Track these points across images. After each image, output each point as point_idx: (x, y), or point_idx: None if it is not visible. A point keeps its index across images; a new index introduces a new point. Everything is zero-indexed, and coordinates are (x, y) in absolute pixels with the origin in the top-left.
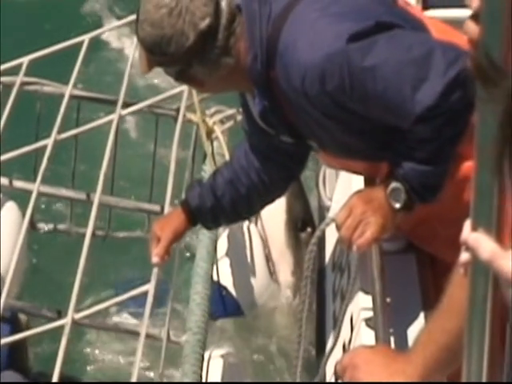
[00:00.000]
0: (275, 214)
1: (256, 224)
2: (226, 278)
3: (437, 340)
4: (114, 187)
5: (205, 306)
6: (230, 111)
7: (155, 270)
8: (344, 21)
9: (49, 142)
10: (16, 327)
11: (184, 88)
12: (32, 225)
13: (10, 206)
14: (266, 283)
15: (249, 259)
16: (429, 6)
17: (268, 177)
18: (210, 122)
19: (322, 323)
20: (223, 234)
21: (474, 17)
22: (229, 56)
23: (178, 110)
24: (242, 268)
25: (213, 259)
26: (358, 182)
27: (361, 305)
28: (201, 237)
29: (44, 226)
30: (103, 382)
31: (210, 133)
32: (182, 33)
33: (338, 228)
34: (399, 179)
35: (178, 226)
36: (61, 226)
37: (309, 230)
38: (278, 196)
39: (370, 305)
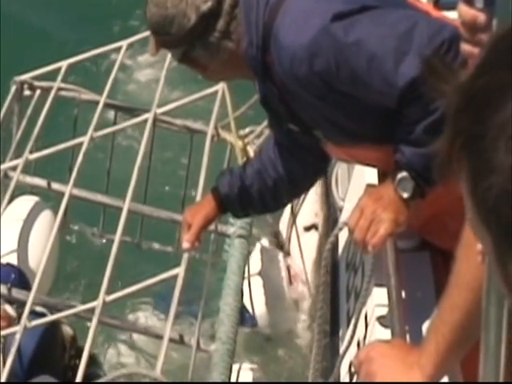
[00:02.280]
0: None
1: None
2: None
3: (448, 320)
4: (146, 196)
5: (234, 317)
6: (262, 128)
7: (185, 255)
8: (331, 3)
9: (85, 140)
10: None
11: (216, 106)
12: (63, 226)
13: (44, 207)
14: (286, 308)
15: (273, 284)
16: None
17: (293, 171)
18: (243, 142)
19: (335, 322)
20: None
21: (467, 0)
22: (230, 40)
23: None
24: (267, 292)
25: (243, 274)
26: (371, 177)
27: (375, 302)
28: (232, 251)
29: (77, 229)
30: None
31: (243, 152)
32: (184, 14)
33: (351, 231)
34: (404, 168)
35: (209, 212)
36: (92, 230)
37: (316, 234)
38: (305, 190)
39: (385, 302)
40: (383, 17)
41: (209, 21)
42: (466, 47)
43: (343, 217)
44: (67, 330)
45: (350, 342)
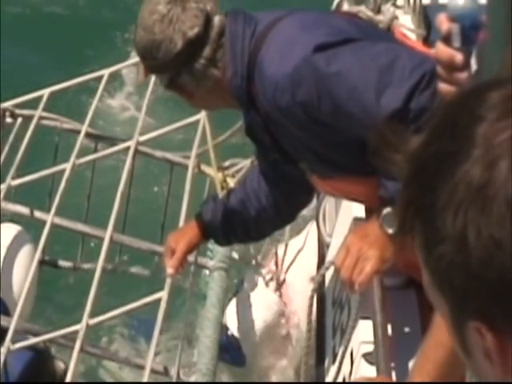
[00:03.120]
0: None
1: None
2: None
3: (432, 357)
4: (125, 225)
5: (214, 349)
6: (242, 165)
7: (168, 280)
8: (315, 35)
9: (67, 166)
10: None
11: (197, 135)
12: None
13: (25, 236)
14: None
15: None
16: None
17: (276, 203)
18: (223, 174)
19: (321, 358)
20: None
21: (444, 39)
22: (216, 68)
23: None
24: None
25: (222, 306)
26: (359, 212)
27: (361, 339)
28: (211, 285)
29: (53, 260)
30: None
31: (223, 186)
32: (171, 39)
33: (338, 270)
34: (388, 203)
35: (192, 238)
36: (68, 263)
37: None
38: (288, 223)
39: (371, 339)
40: (365, 49)
41: (195, 47)
42: (443, 86)
43: (330, 253)
44: (59, 364)
45: (335, 379)
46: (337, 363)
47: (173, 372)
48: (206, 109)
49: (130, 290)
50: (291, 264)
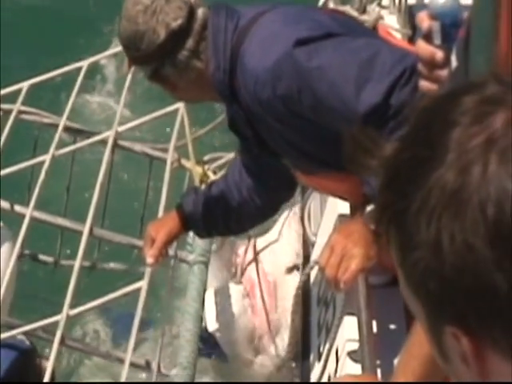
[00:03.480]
0: (288, 291)
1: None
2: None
3: (417, 354)
4: (104, 219)
5: (194, 342)
6: (224, 160)
7: (148, 270)
8: (297, 29)
9: (46, 158)
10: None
11: (176, 125)
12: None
13: (3, 230)
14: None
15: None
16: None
17: (257, 197)
18: (203, 168)
19: (307, 357)
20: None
21: (425, 37)
22: (199, 60)
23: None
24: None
25: (202, 300)
26: (344, 211)
27: (346, 337)
28: (191, 278)
29: (32, 254)
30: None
31: (202, 180)
32: (154, 30)
33: (323, 269)
34: (371, 200)
35: (172, 228)
36: (47, 258)
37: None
38: (268, 217)
39: (356, 337)
40: (346, 44)
41: (178, 38)
42: (424, 84)
43: (315, 252)
44: (45, 363)
45: (320, 377)
46: (322, 361)
47: (154, 365)
48: (190, 101)
49: (109, 285)
50: (257, 256)
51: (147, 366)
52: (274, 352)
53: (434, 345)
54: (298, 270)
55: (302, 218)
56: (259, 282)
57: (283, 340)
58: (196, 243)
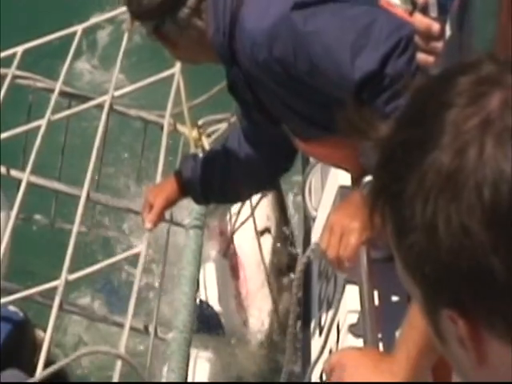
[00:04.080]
0: (258, 256)
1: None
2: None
3: (418, 325)
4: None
5: (191, 306)
6: (218, 123)
7: (146, 234)
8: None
9: (42, 123)
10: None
11: (172, 90)
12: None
13: None
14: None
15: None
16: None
17: (255, 166)
18: (198, 132)
19: (307, 331)
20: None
21: (422, 9)
22: (199, 18)
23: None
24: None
25: (199, 264)
26: (345, 182)
27: (347, 310)
28: (188, 242)
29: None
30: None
31: (197, 144)
32: None
33: (324, 252)
34: (369, 170)
35: (171, 194)
36: (41, 219)
37: (292, 275)
38: (266, 188)
39: (357, 310)
40: (344, 10)
41: None
42: (421, 56)
43: (316, 227)
44: (40, 333)
45: (322, 350)
46: (323, 335)
47: (150, 329)
48: (189, 62)
49: (105, 249)
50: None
51: (145, 330)
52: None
53: (431, 327)
54: (269, 232)
55: (302, 193)
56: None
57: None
58: (192, 207)
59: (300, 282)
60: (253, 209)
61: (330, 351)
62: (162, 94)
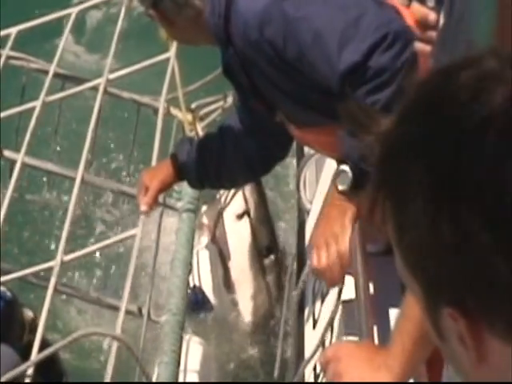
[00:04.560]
0: (240, 238)
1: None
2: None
3: (411, 316)
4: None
5: (184, 289)
6: (212, 107)
7: (142, 217)
8: None
9: (37, 104)
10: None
11: (167, 73)
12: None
13: None
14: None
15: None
16: None
17: (250, 153)
18: (193, 116)
19: (301, 326)
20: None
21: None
22: None
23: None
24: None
25: (191, 247)
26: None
27: (342, 302)
28: (180, 225)
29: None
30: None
31: (192, 127)
32: None
33: (319, 274)
34: (344, 159)
35: (166, 177)
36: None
37: (272, 257)
38: (258, 175)
39: (352, 302)
40: (336, 0)
41: None
42: (417, 44)
43: (310, 220)
44: (28, 312)
45: (317, 344)
46: (317, 329)
47: (143, 311)
48: (186, 42)
49: (98, 232)
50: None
51: (139, 313)
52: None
53: (430, 324)
54: (248, 215)
55: (297, 186)
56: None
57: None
58: (184, 191)
59: (296, 309)
60: (233, 193)
61: (324, 344)
62: (152, 78)
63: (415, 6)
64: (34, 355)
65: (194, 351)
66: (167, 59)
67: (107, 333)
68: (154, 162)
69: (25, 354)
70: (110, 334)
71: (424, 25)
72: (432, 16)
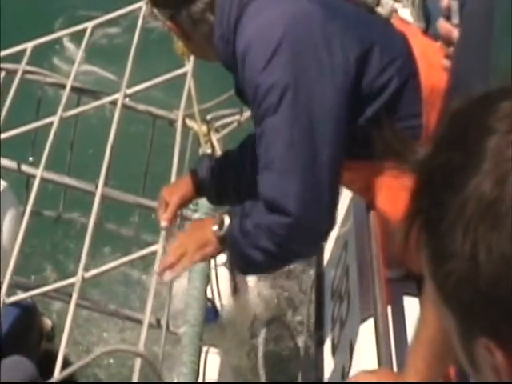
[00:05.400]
0: None
1: None
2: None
3: (421, 337)
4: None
5: (202, 300)
6: (228, 119)
7: (163, 233)
8: (280, 21)
9: (55, 119)
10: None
11: (185, 89)
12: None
13: (7, 190)
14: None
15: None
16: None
17: None
18: (207, 128)
19: (320, 351)
20: None
21: (445, 16)
22: (212, 14)
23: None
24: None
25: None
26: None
27: (360, 330)
28: None
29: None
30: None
31: (206, 139)
32: None
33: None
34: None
35: (186, 193)
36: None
37: None
38: None
39: (370, 330)
40: (296, 107)
41: None
42: (444, 62)
43: (328, 244)
44: (46, 321)
45: (334, 369)
46: (336, 354)
47: (163, 323)
48: (202, 57)
49: (115, 246)
50: None
51: (157, 324)
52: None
53: (464, 355)
54: None
55: None
56: None
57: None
58: (201, 202)
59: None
60: None
61: (343, 369)
62: (163, 90)
63: (442, 22)
64: (57, 373)
65: (211, 362)
66: (184, 74)
67: (131, 350)
68: (173, 178)
69: (41, 363)
70: (133, 351)
71: (448, 42)
72: (455, 33)
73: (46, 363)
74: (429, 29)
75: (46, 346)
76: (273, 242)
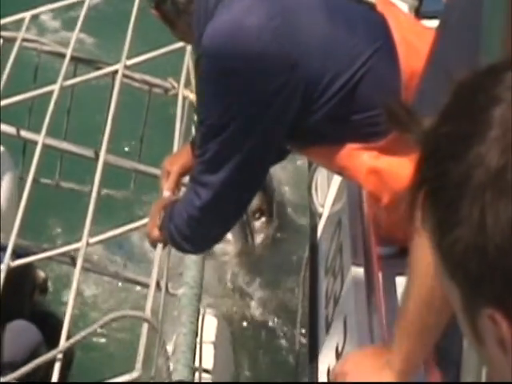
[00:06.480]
0: None
1: None
2: None
3: (405, 310)
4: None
5: (200, 262)
6: None
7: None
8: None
9: (55, 88)
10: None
11: (184, 66)
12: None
13: (7, 155)
14: None
15: None
16: (421, 15)
17: None
18: None
19: (314, 328)
20: None
21: None
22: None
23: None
24: None
25: None
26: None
27: (354, 308)
28: None
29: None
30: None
31: None
32: None
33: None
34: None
35: (186, 162)
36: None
37: (263, 219)
38: None
39: (363, 308)
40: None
41: None
42: None
43: (321, 223)
44: (39, 272)
45: (328, 348)
46: (330, 332)
47: (162, 284)
48: (187, 42)
49: (114, 212)
50: None
51: (157, 286)
52: None
53: (467, 328)
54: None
55: (309, 189)
56: None
57: None
58: None
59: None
60: None
61: (337, 347)
62: (161, 63)
63: None
64: (63, 342)
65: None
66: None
67: (137, 315)
68: (175, 148)
69: (34, 315)
70: (140, 316)
71: None
72: None
73: (38, 316)
74: (421, 7)
75: (39, 297)
76: (182, 218)
